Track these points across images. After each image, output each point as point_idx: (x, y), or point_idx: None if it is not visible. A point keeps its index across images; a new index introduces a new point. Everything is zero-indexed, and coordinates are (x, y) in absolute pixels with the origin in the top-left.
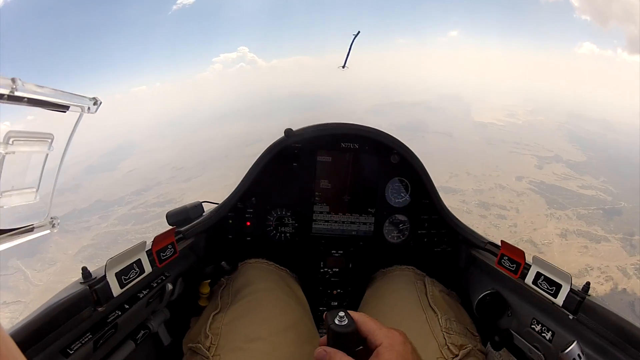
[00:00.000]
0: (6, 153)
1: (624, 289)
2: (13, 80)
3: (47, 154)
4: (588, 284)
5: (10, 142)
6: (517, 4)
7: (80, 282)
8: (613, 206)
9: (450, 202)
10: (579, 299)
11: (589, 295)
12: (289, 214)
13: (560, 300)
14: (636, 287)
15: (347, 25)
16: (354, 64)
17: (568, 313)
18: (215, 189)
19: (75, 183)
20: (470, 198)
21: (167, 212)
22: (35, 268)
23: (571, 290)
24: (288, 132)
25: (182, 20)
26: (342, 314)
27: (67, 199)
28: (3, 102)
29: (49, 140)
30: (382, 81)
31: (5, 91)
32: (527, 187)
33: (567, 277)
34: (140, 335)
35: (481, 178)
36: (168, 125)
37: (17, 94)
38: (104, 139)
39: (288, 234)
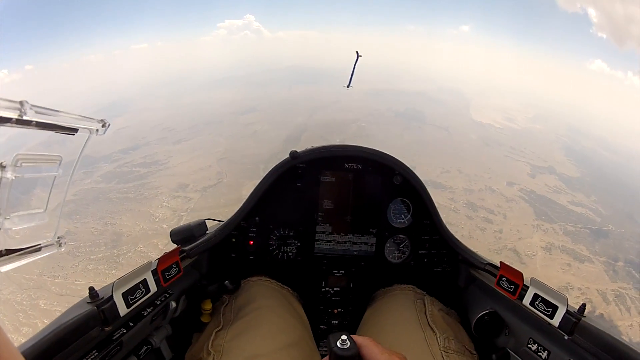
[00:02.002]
0: (15, 177)
1: (602, 314)
2: (21, 103)
3: (55, 176)
4: (584, 305)
5: (19, 164)
6: (535, 9)
7: (88, 302)
8: (601, 227)
9: (439, 198)
10: (574, 320)
11: (585, 317)
12: (291, 233)
13: (556, 321)
14: (614, 314)
15: (357, 3)
16: (359, 45)
17: (564, 334)
18: (204, 154)
19: (63, 136)
20: (459, 197)
21: (171, 229)
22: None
23: (567, 311)
24: (293, 153)
25: None
26: (344, 337)
27: (53, 151)
28: (11, 126)
29: (57, 162)
30: (386, 65)
31: (14, 115)
32: (517, 194)
33: (564, 299)
34: (142, 350)
35: (472, 178)
36: (165, 85)
37: (25, 118)
38: (99, 94)
39: (290, 253)
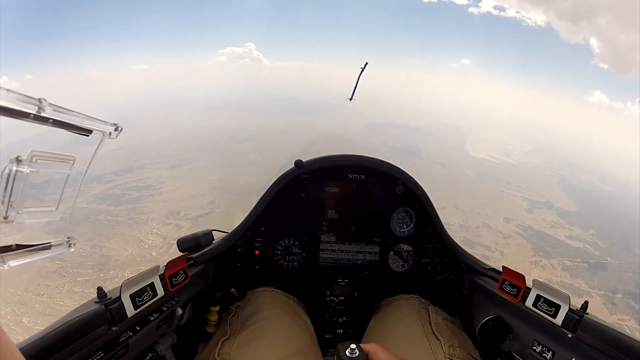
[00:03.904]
0: (30, 171)
1: None
2: (39, 100)
3: (69, 175)
4: (586, 302)
5: (34, 160)
6: (537, 41)
7: (95, 302)
8: (599, 261)
9: None
10: (577, 317)
11: (588, 314)
12: (296, 243)
13: (559, 320)
14: None
15: (358, 36)
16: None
17: (567, 332)
18: (197, 181)
19: (48, 180)
20: (456, 233)
21: (178, 238)
22: (3, 232)
23: (570, 309)
24: (298, 163)
25: (192, 3)
26: (353, 346)
27: (37, 194)
28: (29, 121)
29: (71, 162)
30: (383, 98)
31: (32, 111)
32: (514, 230)
33: (566, 298)
34: (148, 357)
35: (469, 214)
36: (162, 108)
37: (43, 114)
38: (96, 112)
39: (295, 263)
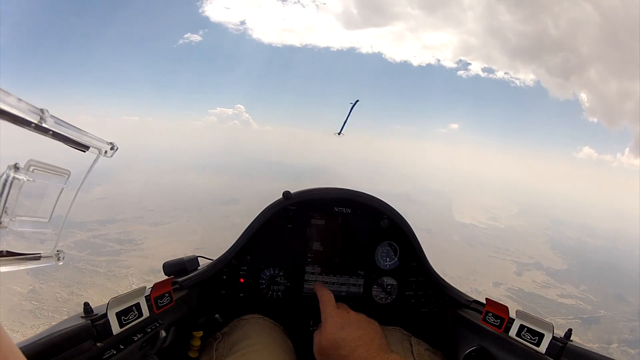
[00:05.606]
0: (26, 180)
1: None
2: (42, 110)
3: (62, 189)
4: (570, 330)
5: (31, 170)
6: (525, 101)
7: (82, 317)
8: (592, 315)
9: None
10: (561, 345)
11: (571, 341)
12: (281, 273)
13: (542, 348)
14: None
15: (345, 102)
16: (344, 143)
17: (551, 359)
18: (180, 240)
19: (42, 192)
20: None
21: (164, 262)
22: None
23: (553, 337)
24: (286, 194)
25: (186, 59)
26: None
27: (31, 204)
28: (30, 130)
29: (66, 176)
30: (369, 166)
31: (34, 120)
32: (504, 293)
33: (549, 326)
34: None
35: (457, 280)
36: (149, 161)
37: (44, 125)
38: (85, 158)
39: (280, 293)
